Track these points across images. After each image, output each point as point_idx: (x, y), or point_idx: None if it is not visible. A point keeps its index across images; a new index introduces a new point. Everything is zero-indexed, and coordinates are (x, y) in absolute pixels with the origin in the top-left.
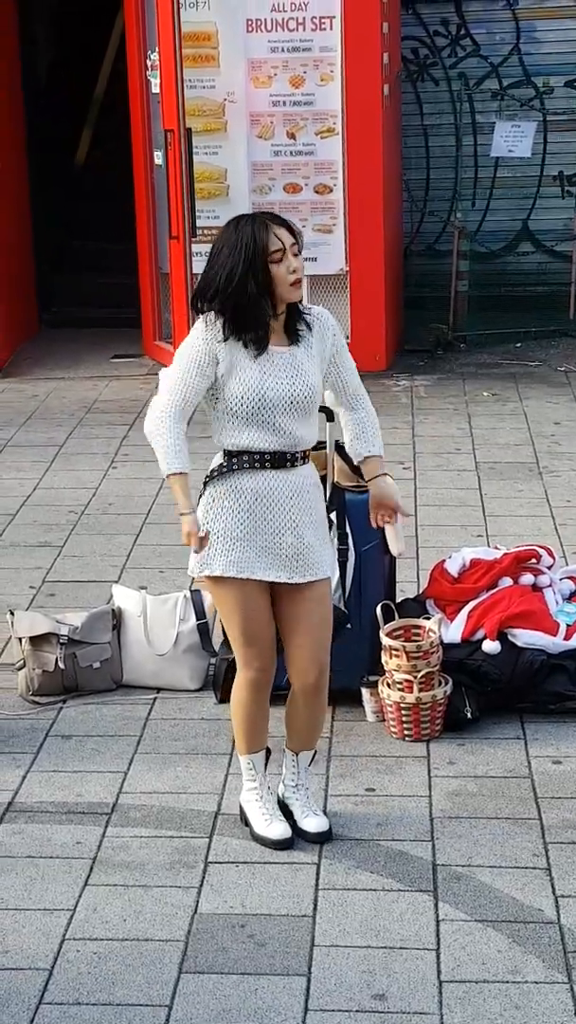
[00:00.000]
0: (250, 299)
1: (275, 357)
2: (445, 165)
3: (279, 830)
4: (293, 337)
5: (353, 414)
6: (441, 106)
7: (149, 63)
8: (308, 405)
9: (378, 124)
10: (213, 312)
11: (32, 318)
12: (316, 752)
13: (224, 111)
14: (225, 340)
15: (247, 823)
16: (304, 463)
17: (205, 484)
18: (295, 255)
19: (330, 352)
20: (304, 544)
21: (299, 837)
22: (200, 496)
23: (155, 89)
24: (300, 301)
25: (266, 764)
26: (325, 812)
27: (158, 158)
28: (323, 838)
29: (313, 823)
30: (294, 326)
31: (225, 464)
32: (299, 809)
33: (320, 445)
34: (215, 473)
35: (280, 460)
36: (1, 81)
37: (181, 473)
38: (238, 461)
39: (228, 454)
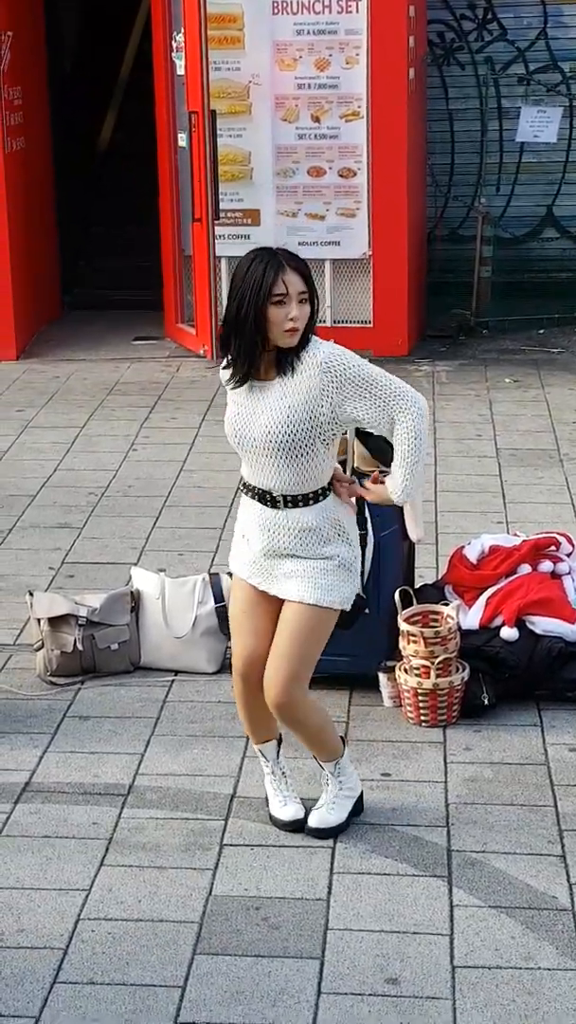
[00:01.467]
0: (245, 335)
1: (256, 392)
2: (470, 150)
3: (290, 812)
4: (283, 368)
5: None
6: (467, 90)
7: (174, 44)
8: (271, 446)
9: (403, 108)
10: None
11: (55, 300)
12: (337, 761)
13: (249, 93)
14: (227, 374)
15: (268, 803)
16: (294, 507)
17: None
18: (301, 303)
19: (324, 391)
20: (282, 568)
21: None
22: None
23: (180, 71)
24: (295, 347)
25: (278, 752)
26: (360, 809)
27: (182, 140)
28: (311, 833)
29: (313, 816)
30: (287, 360)
31: (242, 486)
32: (321, 799)
33: None
34: (241, 483)
35: (261, 497)
36: (26, 66)
37: None
38: (245, 484)
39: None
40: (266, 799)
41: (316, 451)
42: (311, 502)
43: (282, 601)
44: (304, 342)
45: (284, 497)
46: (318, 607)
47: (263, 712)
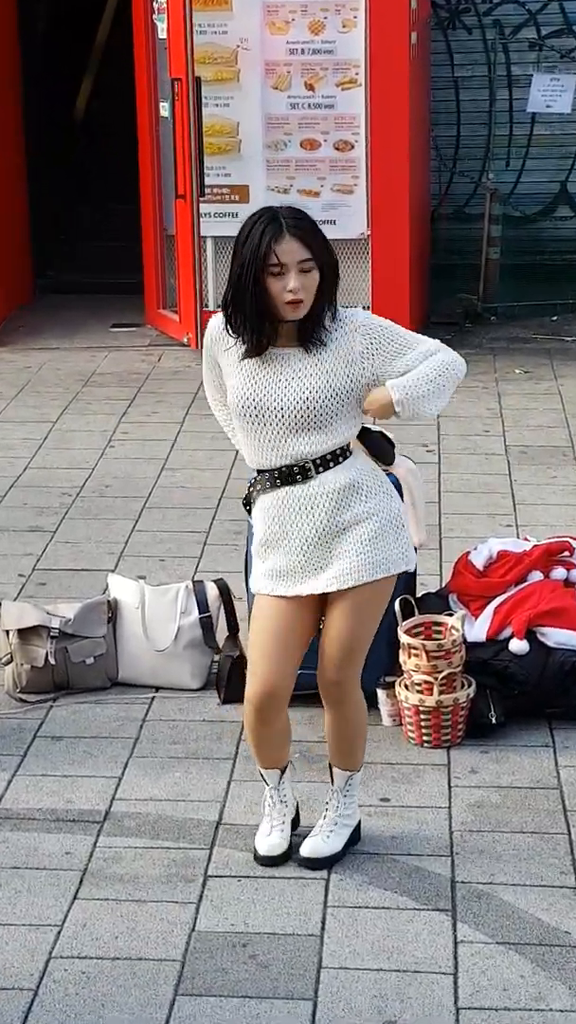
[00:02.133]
0: (247, 306)
1: (274, 361)
2: (477, 121)
3: (267, 845)
4: (306, 340)
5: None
6: (474, 57)
7: (156, 6)
8: (302, 417)
9: (404, 75)
10: (222, 313)
11: (26, 283)
12: (352, 775)
13: (237, 59)
14: (230, 342)
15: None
16: (326, 469)
17: (246, 502)
18: (303, 272)
19: (364, 353)
20: (334, 553)
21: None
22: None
23: (162, 35)
24: (299, 320)
25: (280, 779)
26: (356, 838)
27: (164, 110)
28: (302, 862)
29: (305, 845)
30: (309, 331)
31: (250, 483)
32: (316, 828)
33: None
34: (249, 490)
35: (288, 476)
36: None
37: None
38: (256, 481)
39: (251, 472)
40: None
41: (348, 411)
42: (340, 459)
43: (321, 604)
44: (321, 312)
45: (315, 462)
46: (369, 584)
47: (277, 740)
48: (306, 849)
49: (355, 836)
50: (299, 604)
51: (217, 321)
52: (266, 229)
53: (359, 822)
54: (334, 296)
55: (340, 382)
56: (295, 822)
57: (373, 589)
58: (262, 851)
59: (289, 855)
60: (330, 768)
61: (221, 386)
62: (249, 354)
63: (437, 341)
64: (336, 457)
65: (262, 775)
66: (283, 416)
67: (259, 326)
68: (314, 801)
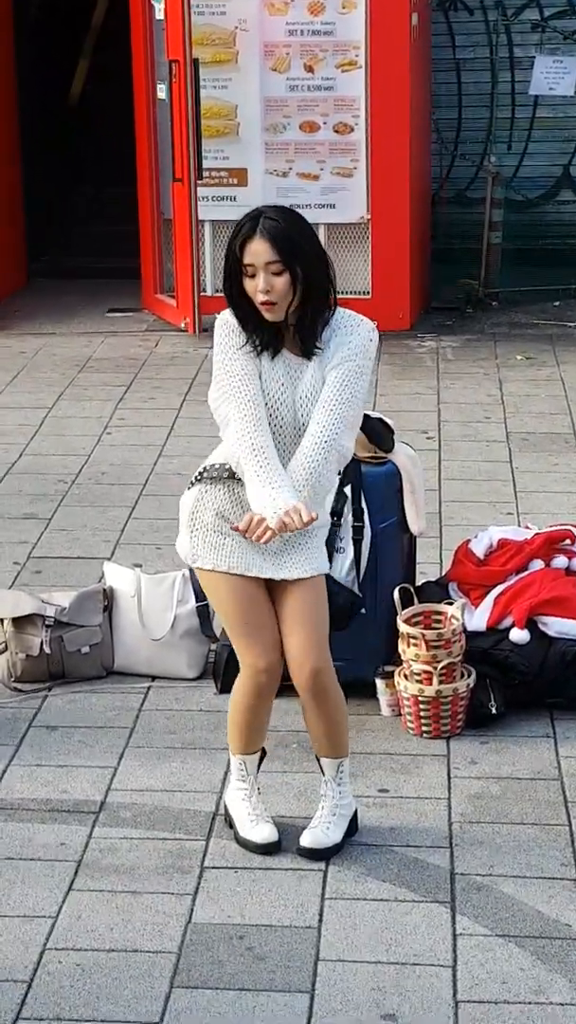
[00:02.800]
0: (235, 303)
1: (280, 367)
2: (479, 104)
3: (264, 832)
4: (305, 350)
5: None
6: (475, 38)
7: None
8: (294, 430)
9: (405, 57)
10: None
11: (21, 267)
12: (342, 762)
13: (235, 40)
14: (243, 344)
15: (231, 825)
16: None
17: (199, 478)
18: (275, 274)
19: (336, 361)
20: (288, 542)
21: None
22: (189, 486)
23: (159, 15)
24: (290, 324)
25: (259, 766)
26: (354, 829)
27: (161, 92)
28: (304, 853)
29: (306, 836)
30: (305, 338)
31: (216, 467)
32: (314, 819)
33: None
34: (213, 472)
35: None
36: None
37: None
38: (216, 469)
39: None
40: (228, 821)
41: None
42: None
43: (265, 585)
44: (311, 318)
45: None
46: (323, 575)
47: (263, 720)
48: (307, 840)
49: (353, 827)
50: (256, 581)
51: (228, 316)
52: (242, 229)
53: (356, 812)
54: (321, 302)
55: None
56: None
57: (321, 581)
58: (258, 839)
59: (281, 843)
60: (318, 760)
61: (257, 373)
62: (263, 351)
63: (354, 418)
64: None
65: (243, 765)
66: (289, 428)
67: (247, 326)
68: (312, 792)
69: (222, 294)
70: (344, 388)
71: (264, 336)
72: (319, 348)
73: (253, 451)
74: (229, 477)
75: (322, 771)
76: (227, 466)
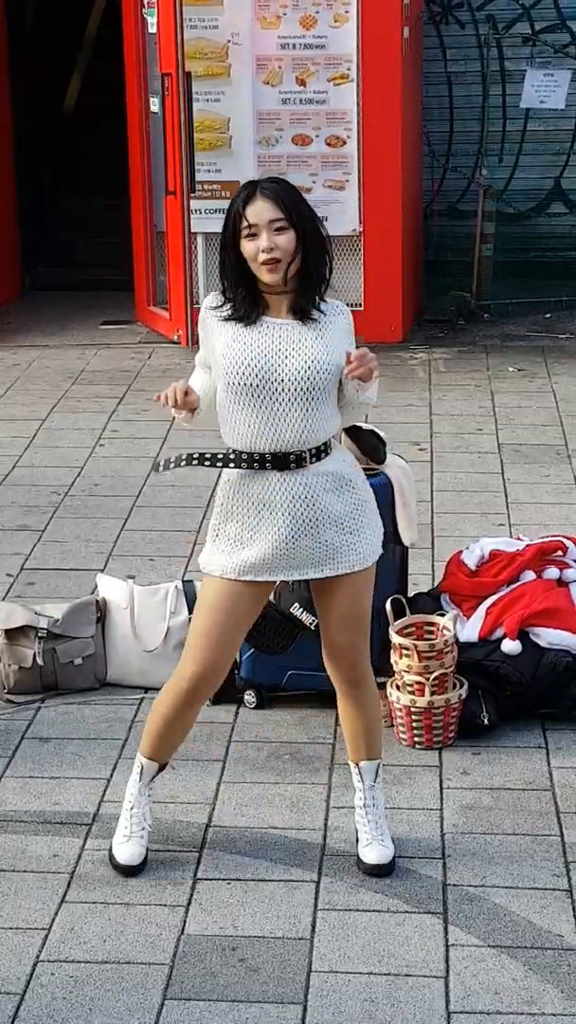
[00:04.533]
0: (230, 270)
1: (272, 332)
2: (470, 117)
3: (127, 853)
4: (300, 315)
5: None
6: (467, 52)
7: (146, 0)
8: (304, 388)
9: (397, 71)
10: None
11: (14, 279)
12: (379, 763)
13: (227, 54)
14: (220, 308)
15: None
16: (317, 460)
17: (224, 461)
18: (275, 232)
19: (347, 332)
20: (322, 543)
21: (358, 868)
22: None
23: (152, 29)
24: (285, 290)
25: (153, 778)
26: (392, 839)
27: (154, 105)
28: (380, 871)
29: (373, 853)
30: (303, 304)
31: (232, 457)
32: (365, 835)
33: None
34: (228, 458)
35: (282, 462)
36: None
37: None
38: (240, 459)
39: (233, 449)
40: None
41: (334, 393)
42: (328, 452)
43: (270, 591)
44: (311, 281)
45: (309, 451)
46: (369, 568)
47: (182, 733)
48: (372, 857)
49: None
50: (257, 590)
51: (210, 296)
52: (241, 194)
53: None
54: (322, 265)
55: (335, 357)
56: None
57: (368, 574)
58: (122, 860)
59: (143, 867)
60: (357, 768)
61: (210, 347)
62: (240, 321)
63: None
64: (327, 449)
65: (140, 766)
66: (285, 387)
67: (242, 292)
68: (304, 803)
69: None
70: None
71: (247, 301)
72: (313, 316)
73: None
74: (248, 467)
75: (361, 779)
76: (241, 456)
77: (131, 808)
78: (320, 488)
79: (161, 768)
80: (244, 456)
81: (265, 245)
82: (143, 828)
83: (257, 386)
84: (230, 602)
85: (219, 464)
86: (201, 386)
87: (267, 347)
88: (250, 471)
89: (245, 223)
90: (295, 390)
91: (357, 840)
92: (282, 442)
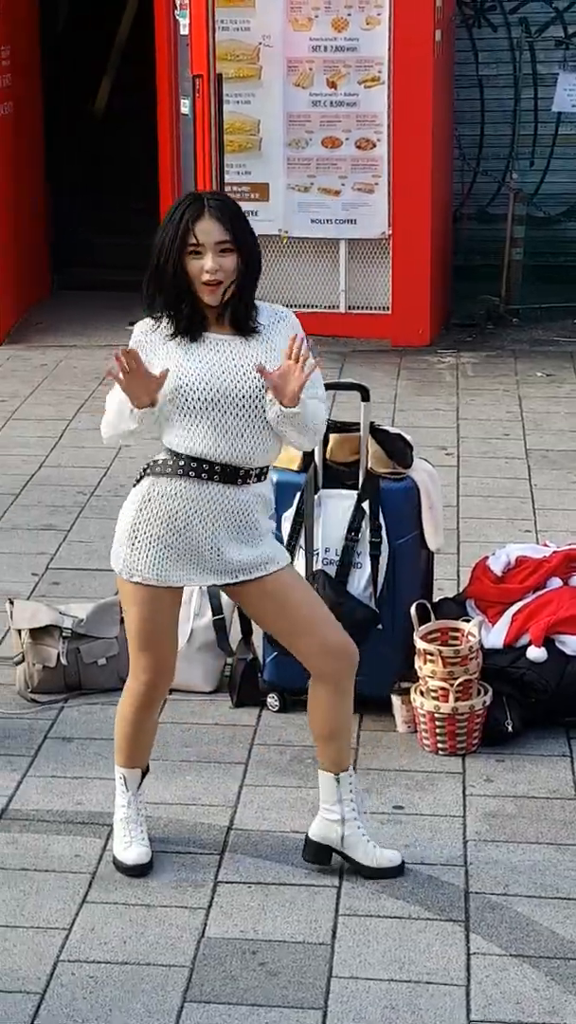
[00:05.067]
0: (167, 288)
1: (217, 347)
2: (501, 120)
3: (134, 854)
4: (240, 328)
5: None
6: (499, 55)
7: (178, 2)
8: (250, 402)
9: (428, 73)
10: (149, 299)
11: (43, 280)
12: (351, 774)
13: (259, 56)
14: (157, 327)
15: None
16: (258, 481)
17: (144, 473)
18: (220, 253)
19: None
20: (224, 559)
21: (364, 878)
22: (134, 484)
23: (183, 31)
24: (219, 305)
25: (140, 784)
26: None
27: (185, 107)
28: (392, 874)
29: (386, 856)
30: (241, 317)
31: (170, 463)
32: (362, 849)
33: (352, 427)
34: (156, 467)
35: (231, 476)
36: (16, 24)
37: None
38: (176, 463)
39: (174, 454)
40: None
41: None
42: (266, 475)
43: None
44: (250, 297)
45: (253, 471)
46: (285, 569)
47: (148, 735)
48: (382, 860)
49: None
50: (176, 593)
51: (143, 322)
52: (188, 209)
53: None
54: (255, 282)
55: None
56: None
57: (287, 572)
58: (128, 860)
59: (153, 864)
60: (335, 780)
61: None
62: (186, 335)
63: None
64: (263, 474)
65: (123, 778)
66: (241, 403)
67: (180, 307)
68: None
69: None
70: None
71: (184, 316)
72: (258, 325)
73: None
74: (174, 473)
75: (338, 792)
76: (170, 461)
77: (125, 819)
78: (253, 506)
79: (144, 773)
80: (193, 465)
81: (210, 266)
82: (141, 829)
83: (213, 401)
84: (154, 605)
85: (168, 471)
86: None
87: (220, 364)
88: (187, 478)
89: (193, 240)
90: (250, 407)
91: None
92: (233, 457)
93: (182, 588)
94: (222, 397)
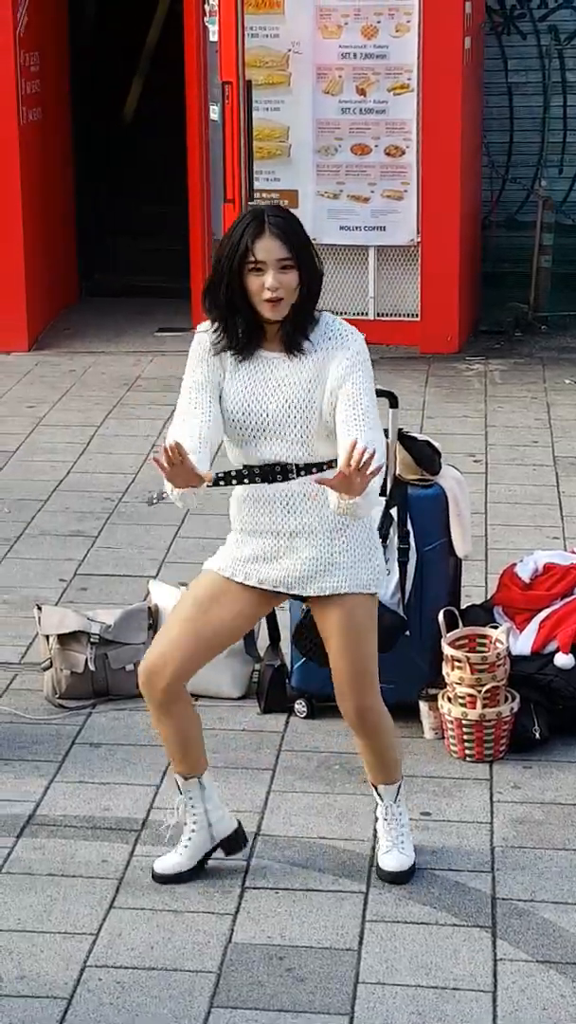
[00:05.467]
0: (223, 303)
1: (261, 366)
2: (530, 128)
3: (161, 864)
4: (290, 346)
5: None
6: (528, 62)
7: (207, 8)
8: (280, 426)
9: (458, 81)
10: (209, 318)
11: (72, 286)
12: (398, 784)
13: (288, 63)
14: (216, 346)
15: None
16: (306, 473)
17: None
18: (281, 270)
19: (337, 376)
20: (302, 558)
21: (377, 875)
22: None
23: (213, 37)
24: (279, 321)
25: (196, 794)
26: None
27: (214, 113)
28: (395, 879)
29: (390, 860)
30: (291, 336)
31: (232, 472)
32: (385, 842)
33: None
34: (228, 477)
35: (271, 473)
36: (45, 30)
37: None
38: (238, 472)
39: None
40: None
41: (321, 427)
42: (325, 467)
43: (261, 609)
44: (304, 317)
45: (298, 467)
46: (361, 595)
47: (190, 731)
48: (391, 864)
49: None
50: (244, 597)
51: (206, 323)
52: (248, 226)
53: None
54: (314, 301)
55: (317, 396)
56: (231, 844)
57: (355, 603)
58: (156, 867)
59: (177, 877)
60: (375, 788)
61: (216, 386)
62: (235, 352)
63: (374, 415)
64: (320, 467)
65: (187, 792)
66: (268, 422)
67: (237, 324)
68: (353, 813)
69: None
70: (362, 397)
71: (242, 333)
72: (302, 350)
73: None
74: (249, 480)
75: (380, 797)
76: (233, 472)
77: (176, 823)
78: (303, 498)
79: (197, 778)
80: (233, 473)
81: (271, 283)
82: (185, 837)
83: (246, 419)
84: (211, 597)
85: (230, 481)
86: (198, 433)
87: (253, 386)
88: (242, 479)
89: (252, 258)
90: (273, 427)
91: (376, 848)
92: (271, 458)
93: (248, 594)
94: (247, 416)
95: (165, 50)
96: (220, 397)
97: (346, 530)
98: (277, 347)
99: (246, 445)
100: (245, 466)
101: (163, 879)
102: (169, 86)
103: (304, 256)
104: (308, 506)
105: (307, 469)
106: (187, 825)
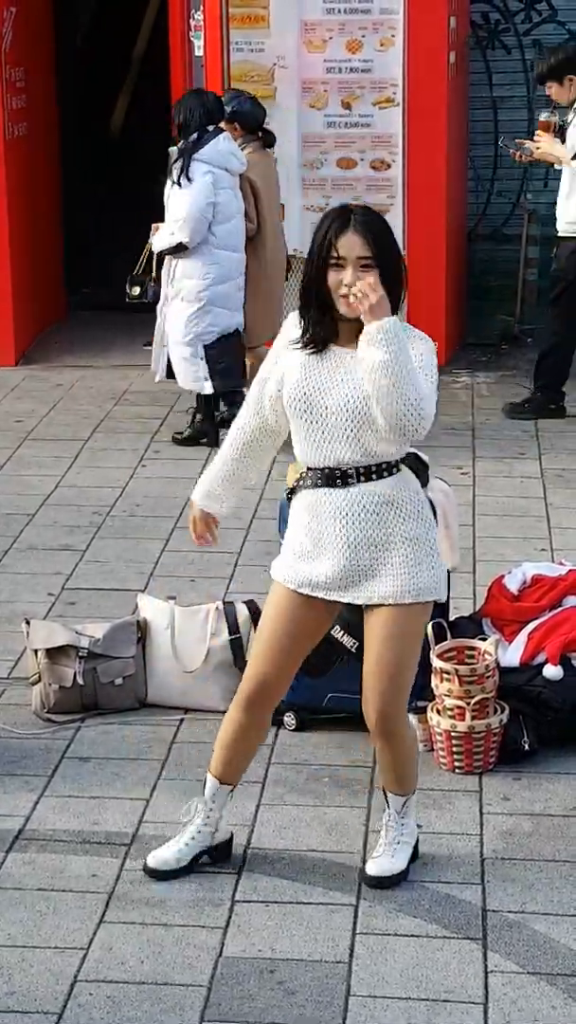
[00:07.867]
0: (306, 294)
1: (332, 359)
2: None
3: (155, 859)
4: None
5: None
6: (513, 76)
7: (192, 23)
8: (344, 418)
9: (443, 95)
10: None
11: (59, 300)
12: (409, 797)
13: (273, 77)
14: (295, 341)
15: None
16: (368, 480)
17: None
18: (362, 268)
19: None
20: (355, 566)
21: (359, 877)
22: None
23: (198, 52)
24: (356, 319)
25: (214, 798)
26: (415, 856)
27: None
28: (371, 883)
29: (373, 864)
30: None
31: (299, 476)
32: (376, 848)
33: None
34: (296, 482)
35: (329, 478)
36: (31, 45)
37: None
38: (304, 476)
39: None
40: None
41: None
42: (384, 474)
43: (334, 614)
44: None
45: (357, 470)
46: (413, 605)
47: (250, 751)
48: (373, 868)
49: (415, 853)
50: (312, 606)
51: (293, 315)
52: (333, 222)
53: (417, 839)
54: (395, 301)
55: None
56: (221, 852)
57: (408, 613)
58: (149, 861)
59: (165, 874)
60: (384, 793)
61: (278, 381)
62: (307, 346)
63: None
64: (380, 471)
65: (211, 794)
66: (327, 415)
67: (316, 317)
68: (343, 826)
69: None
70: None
71: (319, 327)
72: None
73: (226, 443)
74: (312, 485)
75: (387, 803)
76: (302, 475)
77: (188, 822)
78: (362, 508)
79: (229, 788)
80: (306, 472)
81: (349, 280)
82: (186, 834)
83: (309, 411)
84: (286, 609)
85: (297, 487)
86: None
87: (324, 375)
88: (304, 488)
89: (334, 253)
90: (338, 420)
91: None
92: (330, 461)
93: (317, 605)
94: (311, 407)
95: (151, 65)
96: (282, 389)
97: (404, 541)
98: (351, 343)
99: (307, 441)
100: (309, 469)
101: (153, 874)
102: (155, 100)
103: (385, 258)
104: (366, 516)
105: (367, 474)
106: (195, 824)
